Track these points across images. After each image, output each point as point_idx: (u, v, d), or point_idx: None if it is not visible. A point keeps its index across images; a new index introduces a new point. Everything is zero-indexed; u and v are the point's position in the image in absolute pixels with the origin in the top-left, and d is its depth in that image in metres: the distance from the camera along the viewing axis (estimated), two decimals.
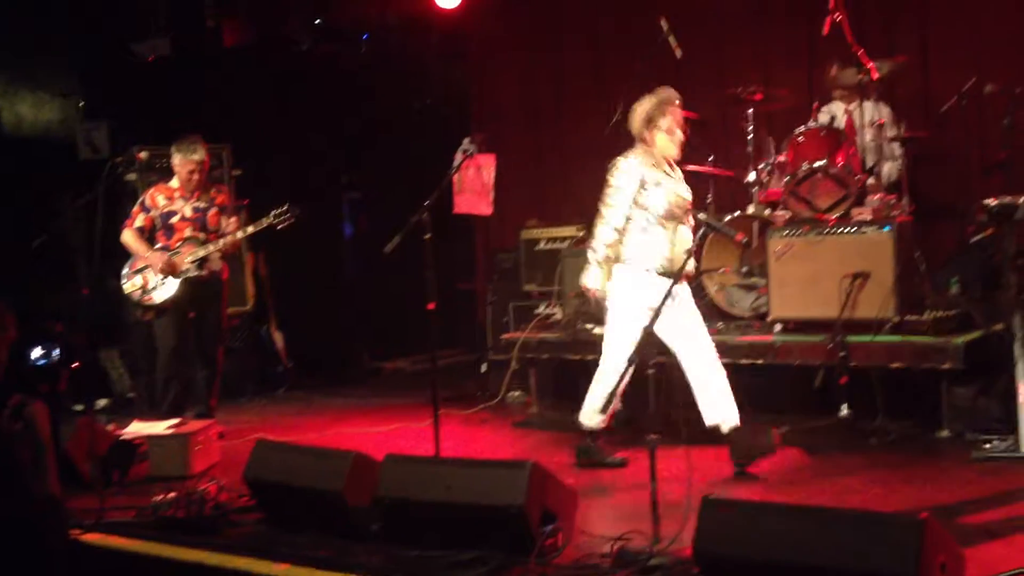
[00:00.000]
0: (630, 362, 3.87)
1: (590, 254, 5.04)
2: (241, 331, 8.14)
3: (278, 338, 8.43)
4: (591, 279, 5.01)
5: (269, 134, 8.67)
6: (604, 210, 5.00)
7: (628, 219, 4.93)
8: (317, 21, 9.17)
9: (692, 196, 5.11)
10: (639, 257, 4.91)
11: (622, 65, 8.05)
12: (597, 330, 6.38)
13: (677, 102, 5.04)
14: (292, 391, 8.22)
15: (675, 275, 4.37)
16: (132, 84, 8.75)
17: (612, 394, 4.52)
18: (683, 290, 4.89)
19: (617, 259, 4.96)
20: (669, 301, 4.03)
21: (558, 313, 7.01)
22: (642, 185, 4.91)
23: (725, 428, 4.86)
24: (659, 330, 4.36)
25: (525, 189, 8.82)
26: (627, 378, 4.05)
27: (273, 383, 8.31)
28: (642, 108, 5.04)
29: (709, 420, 4.89)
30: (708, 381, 4.90)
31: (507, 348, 6.89)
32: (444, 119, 9.37)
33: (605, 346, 5.04)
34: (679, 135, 5.04)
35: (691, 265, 5.05)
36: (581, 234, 7.49)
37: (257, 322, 8.38)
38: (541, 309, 7.32)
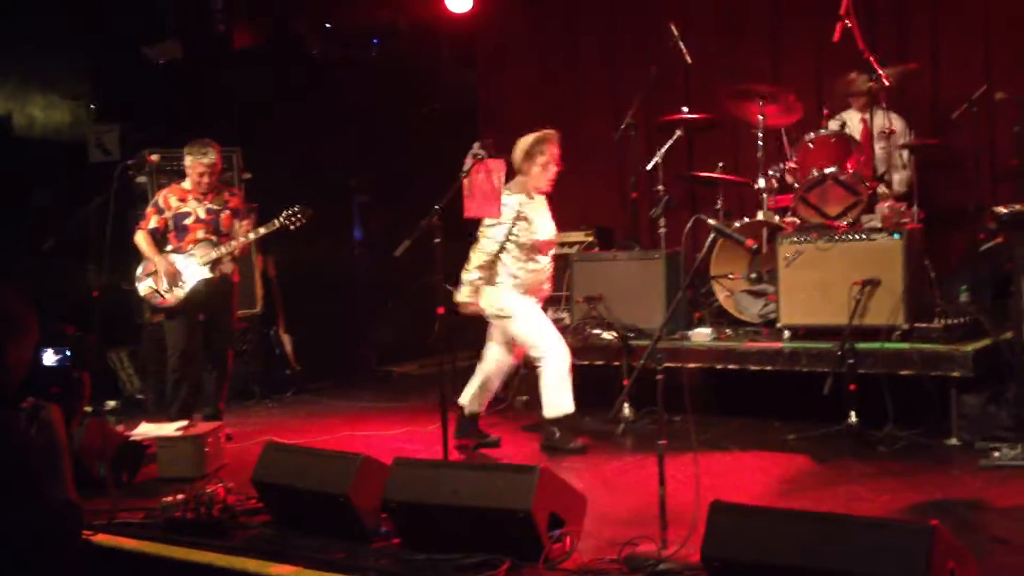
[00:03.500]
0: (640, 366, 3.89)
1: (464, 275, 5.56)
2: (250, 333, 8.15)
3: (287, 341, 8.44)
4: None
5: (279, 137, 8.69)
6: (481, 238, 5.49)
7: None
8: (327, 25, 9.20)
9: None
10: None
11: (633, 70, 8.07)
12: (606, 335, 6.39)
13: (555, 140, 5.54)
14: (300, 394, 8.22)
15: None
16: (143, 87, 8.78)
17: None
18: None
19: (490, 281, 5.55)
20: None
21: (566, 318, 7.01)
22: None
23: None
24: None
25: None
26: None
27: (281, 386, 8.31)
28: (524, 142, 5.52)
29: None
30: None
31: None
32: (454, 123, 9.38)
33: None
34: (553, 170, 5.56)
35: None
36: (590, 239, 7.49)
37: (266, 325, 8.40)
38: (549, 314, 7.32)
